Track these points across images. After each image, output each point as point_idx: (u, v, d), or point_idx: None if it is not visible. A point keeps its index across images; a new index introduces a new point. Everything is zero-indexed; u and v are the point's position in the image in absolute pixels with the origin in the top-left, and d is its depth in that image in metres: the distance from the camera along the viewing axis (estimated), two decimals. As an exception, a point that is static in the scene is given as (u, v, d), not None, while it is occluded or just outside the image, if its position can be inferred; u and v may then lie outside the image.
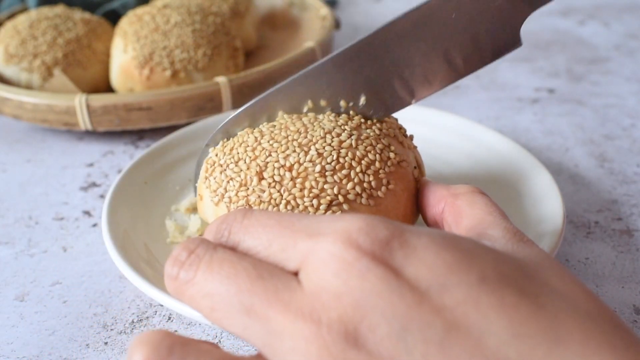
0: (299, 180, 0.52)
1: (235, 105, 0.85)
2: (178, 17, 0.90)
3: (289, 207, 0.52)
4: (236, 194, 0.54)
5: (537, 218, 0.61)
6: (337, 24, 1.10)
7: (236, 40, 0.94)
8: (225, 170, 0.55)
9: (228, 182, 0.54)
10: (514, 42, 0.53)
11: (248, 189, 0.53)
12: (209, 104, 0.83)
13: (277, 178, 0.52)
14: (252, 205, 0.53)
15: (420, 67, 0.55)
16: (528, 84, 1.02)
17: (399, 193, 0.54)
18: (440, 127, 0.76)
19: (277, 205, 0.52)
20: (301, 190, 0.52)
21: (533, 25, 1.27)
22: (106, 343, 0.55)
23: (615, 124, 0.89)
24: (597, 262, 0.63)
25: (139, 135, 0.88)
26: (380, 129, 0.56)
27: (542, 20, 1.29)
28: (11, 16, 1.07)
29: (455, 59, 0.54)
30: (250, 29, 1.05)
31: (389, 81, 0.56)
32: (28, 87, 0.90)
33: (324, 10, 1.10)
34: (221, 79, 0.85)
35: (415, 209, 0.56)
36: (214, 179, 0.56)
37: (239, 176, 0.54)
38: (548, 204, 0.61)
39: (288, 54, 0.92)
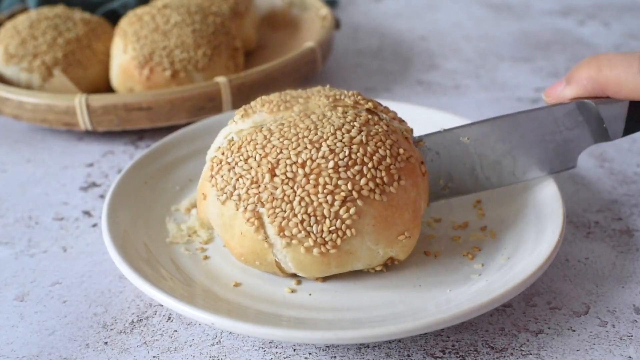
0: (312, 176, 0.52)
1: (235, 106, 0.84)
2: (178, 17, 0.90)
3: (302, 204, 0.52)
4: (246, 192, 0.53)
5: (538, 218, 0.61)
6: (337, 24, 1.10)
7: (236, 40, 0.94)
8: (234, 168, 0.54)
9: (237, 179, 0.54)
10: (570, 164, 0.63)
11: (259, 186, 0.52)
12: (209, 104, 0.83)
13: (289, 175, 0.52)
14: (264, 203, 0.53)
15: (494, 162, 0.63)
16: (528, 84, 1.02)
17: (409, 189, 0.54)
18: (439, 127, 0.76)
19: (291, 202, 0.52)
20: (315, 186, 0.52)
21: (533, 25, 1.27)
22: (106, 343, 0.55)
23: (615, 124, 0.89)
24: (597, 262, 0.63)
25: (139, 135, 0.89)
26: (387, 125, 0.57)
27: (542, 20, 1.29)
28: (11, 16, 1.07)
29: (522, 164, 0.63)
30: (250, 29, 1.05)
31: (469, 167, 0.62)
32: (28, 87, 0.90)
33: (324, 10, 1.10)
34: (221, 79, 0.85)
35: (421, 203, 0.57)
36: (222, 177, 0.55)
37: (250, 174, 0.53)
38: (548, 204, 0.61)
39: (288, 54, 0.92)
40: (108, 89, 0.94)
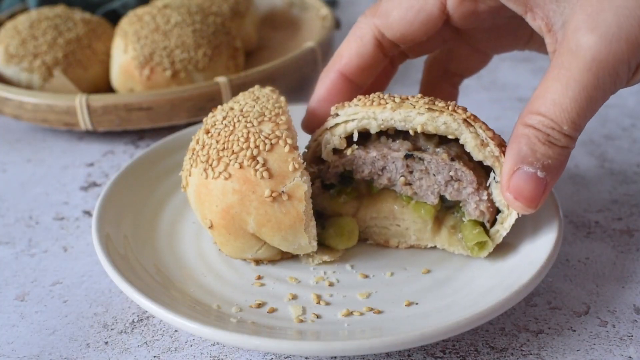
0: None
1: (236, 105, 0.84)
2: (178, 17, 0.90)
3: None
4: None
5: (534, 222, 0.60)
6: (337, 24, 1.10)
7: (236, 40, 0.94)
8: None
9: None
10: None
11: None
12: (209, 104, 0.83)
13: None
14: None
15: None
16: (528, 84, 1.02)
17: None
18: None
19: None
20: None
21: (533, 26, 1.27)
22: (107, 343, 0.55)
23: (615, 124, 0.89)
24: (598, 262, 0.63)
25: (139, 135, 0.88)
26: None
27: (542, 21, 1.29)
28: (11, 16, 1.07)
29: None
30: (251, 29, 1.06)
31: None
32: (28, 87, 0.90)
33: (324, 10, 1.10)
34: (221, 79, 0.85)
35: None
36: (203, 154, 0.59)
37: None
38: (544, 206, 0.61)
39: (288, 54, 0.92)
40: (108, 89, 0.94)
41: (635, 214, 0.69)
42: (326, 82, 0.61)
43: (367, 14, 0.59)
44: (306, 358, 0.53)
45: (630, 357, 0.52)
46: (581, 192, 0.73)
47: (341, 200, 0.62)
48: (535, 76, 1.04)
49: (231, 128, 0.58)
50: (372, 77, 0.62)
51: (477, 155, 0.55)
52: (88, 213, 0.73)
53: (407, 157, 0.57)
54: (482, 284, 0.55)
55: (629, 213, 0.70)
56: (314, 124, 0.61)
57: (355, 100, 0.59)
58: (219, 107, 0.64)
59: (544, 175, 0.49)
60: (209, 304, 0.55)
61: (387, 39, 0.59)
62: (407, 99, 0.58)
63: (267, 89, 0.64)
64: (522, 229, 0.60)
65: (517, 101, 0.96)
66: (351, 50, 0.60)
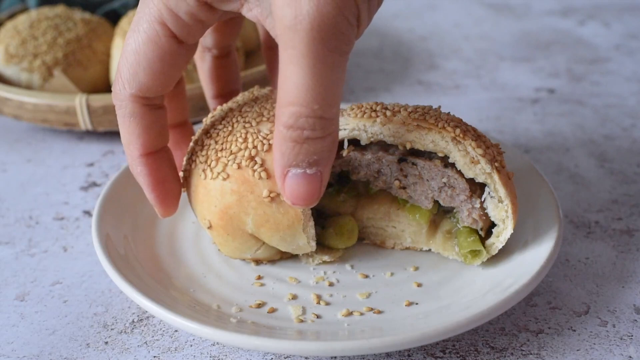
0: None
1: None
2: (178, 17, 0.90)
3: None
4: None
5: (534, 223, 0.60)
6: (337, 24, 1.10)
7: (236, 40, 0.94)
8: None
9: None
10: None
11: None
12: (209, 104, 0.83)
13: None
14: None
15: None
16: (528, 84, 1.02)
17: None
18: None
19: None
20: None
21: (533, 25, 1.27)
22: (107, 342, 0.55)
23: (615, 124, 0.89)
24: (597, 262, 0.63)
25: (139, 135, 0.88)
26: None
27: (542, 20, 1.29)
28: (11, 16, 1.07)
29: None
30: (251, 29, 1.05)
31: None
32: (28, 87, 0.90)
33: (324, 10, 1.09)
34: (221, 79, 0.84)
35: None
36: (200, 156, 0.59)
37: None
38: (544, 208, 0.61)
39: (288, 54, 0.92)
40: (108, 89, 0.94)
41: (635, 214, 0.69)
42: (145, 170, 0.55)
43: (117, 90, 0.53)
44: (306, 358, 0.53)
45: (630, 357, 0.52)
46: (581, 192, 0.73)
47: (340, 199, 0.62)
48: (534, 75, 1.04)
49: (230, 128, 0.58)
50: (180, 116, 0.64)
51: (468, 173, 0.55)
52: (88, 213, 0.73)
53: (400, 161, 0.58)
54: (482, 284, 0.55)
55: (629, 213, 0.70)
56: (172, 202, 0.58)
57: (348, 109, 0.60)
58: (219, 107, 0.64)
59: (315, 170, 0.47)
60: (209, 304, 0.55)
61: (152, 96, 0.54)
62: (399, 111, 0.57)
63: (266, 89, 0.65)
64: (522, 229, 0.60)
65: (517, 101, 0.96)
66: (134, 133, 0.54)
